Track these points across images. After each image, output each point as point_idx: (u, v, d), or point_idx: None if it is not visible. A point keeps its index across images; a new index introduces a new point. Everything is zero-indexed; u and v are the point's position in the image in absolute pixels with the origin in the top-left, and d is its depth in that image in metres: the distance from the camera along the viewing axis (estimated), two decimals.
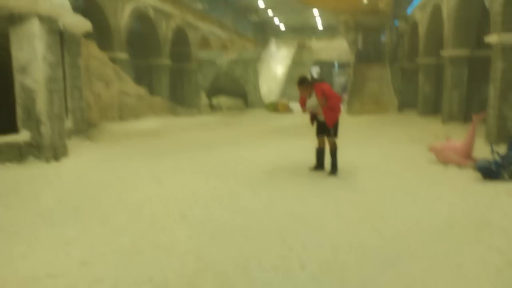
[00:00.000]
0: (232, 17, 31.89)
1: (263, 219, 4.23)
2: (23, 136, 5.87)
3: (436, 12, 14.64)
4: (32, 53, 5.83)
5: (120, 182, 5.51)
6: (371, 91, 20.08)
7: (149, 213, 4.36)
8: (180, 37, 20.22)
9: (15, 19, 5.70)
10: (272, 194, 5.18)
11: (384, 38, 22.89)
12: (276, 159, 7.76)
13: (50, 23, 6.04)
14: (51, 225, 3.96)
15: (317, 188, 5.52)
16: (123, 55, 14.82)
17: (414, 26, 18.22)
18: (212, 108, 19.62)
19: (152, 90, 17.14)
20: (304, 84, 6.14)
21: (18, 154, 5.72)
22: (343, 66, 38.33)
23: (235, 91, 21.17)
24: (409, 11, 20.00)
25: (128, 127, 11.03)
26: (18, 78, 5.86)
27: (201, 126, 13.07)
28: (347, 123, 15.12)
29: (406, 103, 19.20)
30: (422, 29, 16.79)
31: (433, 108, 16.77)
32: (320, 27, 41.35)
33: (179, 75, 20.81)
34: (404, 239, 3.69)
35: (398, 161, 7.46)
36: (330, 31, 38.47)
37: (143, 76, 18.14)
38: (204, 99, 19.28)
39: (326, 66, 41.16)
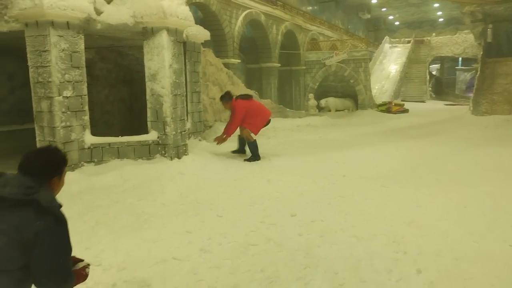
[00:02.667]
0: (343, 17, 31.31)
1: (375, 221, 4.09)
2: (151, 136, 6.60)
3: None
4: (161, 62, 6.52)
5: (233, 180, 5.85)
6: (502, 88, 17.72)
7: (260, 209, 4.54)
8: (290, 40, 20.58)
9: (148, 33, 6.46)
10: (384, 197, 4.97)
11: None
12: (388, 162, 7.40)
13: (176, 35, 6.69)
14: (175, 215, 4.39)
15: (434, 192, 5.13)
16: (235, 60, 15.69)
17: None
18: (321, 109, 19.51)
19: (261, 93, 17.78)
20: (224, 99, 7.29)
21: (147, 152, 6.46)
22: (468, 61, 34.73)
23: (344, 91, 20.73)
24: None
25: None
26: (149, 85, 6.61)
27: (309, 127, 13.10)
28: (470, 124, 13.68)
29: None
30: None
31: None
32: (441, 21, 38.08)
33: (287, 77, 21.19)
34: None
35: None
36: (452, 24, 35.21)
37: (254, 79, 18.92)
38: (312, 101, 19.27)
39: (447, 62, 37.79)
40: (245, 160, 7.20)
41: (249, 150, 7.42)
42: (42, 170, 1.82)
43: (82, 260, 2.04)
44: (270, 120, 7.79)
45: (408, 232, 3.77)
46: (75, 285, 1.89)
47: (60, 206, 1.82)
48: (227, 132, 7.34)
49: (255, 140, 7.37)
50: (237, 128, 7.34)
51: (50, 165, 1.87)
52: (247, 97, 7.52)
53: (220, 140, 7.37)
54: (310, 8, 26.05)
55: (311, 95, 19.66)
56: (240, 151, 7.75)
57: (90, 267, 2.10)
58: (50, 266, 1.69)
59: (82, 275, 1.97)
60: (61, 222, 1.73)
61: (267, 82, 19.10)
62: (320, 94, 20.60)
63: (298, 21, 20.92)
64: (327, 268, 3.06)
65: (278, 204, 4.70)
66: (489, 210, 4.41)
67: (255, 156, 7.25)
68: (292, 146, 9.11)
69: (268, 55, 18.75)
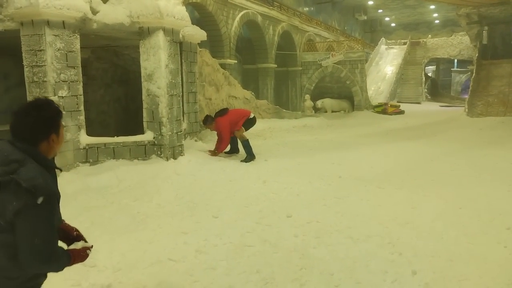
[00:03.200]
0: (339, 18, 31.39)
1: (371, 222, 4.10)
2: (147, 136, 6.58)
3: None
4: (157, 63, 6.51)
5: (229, 180, 5.84)
6: (498, 90, 17.83)
7: (256, 210, 4.54)
8: (286, 41, 20.60)
9: (144, 33, 6.44)
10: (380, 198, 4.98)
11: None
12: (384, 163, 7.43)
13: (172, 35, 6.68)
14: (171, 216, 4.37)
15: (430, 194, 5.15)
16: (232, 61, 15.67)
17: None
18: (317, 110, 19.53)
19: (258, 93, 17.78)
20: (207, 123, 7.59)
21: (143, 152, 6.44)
22: (463, 63, 34.91)
23: (340, 92, 20.78)
24: None
25: None
26: (145, 85, 6.59)
27: (305, 128, 13.12)
28: (466, 126, 13.75)
29: None
30: None
31: None
32: (437, 22, 38.27)
33: (284, 78, 21.20)
34: None
35: None
36: (448, 26, 35.40)
37: (250, 80, 18.91)
38: (308, 102, 19.29)
39: (443, 64, 37.97)
40: (241, 161, 7.22)
41: (243, 150, 7.48)
42: (34, 130, 1.64)
43: (83, 239, 1.93)
44: (254, 117, 7.83)
45: (403, 233, 3.78)
46: (72, 264, 1.79)
47: (52, 167, 1.69)
48: (220, 149, 7.40)
49: (248, 139, 7.48)
50: (228, 142, 7.45)
51: (43, 122, 1.66)
52: (223, 112, 7.61)
53: (213, 154, 7.40)
54: (307, 9, 26.10)
55: (307, 96, 19.67)
56: (233, 150, 7.80)
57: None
58: (31, 247, 1.57)
59: (81, 256, 1.83)
60: (44, 200, 1.56)
61: (264, 82, 19.11)
62: (316, 95, 20.62)
63: (294, 22, 20.94)
64: (322, 269, 3.07)
65: (274, 205, 4.70)
66: (484, 212, 4.43)
67: (251, 156, 7.35)
68: (288, 147, 9.13)
69: (265, 55, 18.75)
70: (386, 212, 4.44)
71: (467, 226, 4.01)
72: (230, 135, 7.44)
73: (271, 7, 18.50)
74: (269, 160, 7.32)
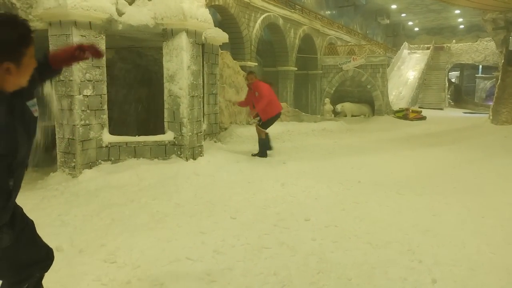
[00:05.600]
0: (361, 22, 31.12)
1: (390, 228, 4.04)
2: (168, 136, 6.67)
3: None
4: (179, 64, 6.60)
5: (247, 182, 5.85)
6: None
7: (274, 212, 4.54)
8: (307, 44, 20.55)
9: (167, 34, 6.54)
10: (400, 204, 4.91)
11: None
12: (404, 169, 7.32)
13: (195, 37, 6.76)
14: (189, 215, 4.42)
15: (451, 201, 5.04)
16: (253, 63, 15.73)
17: None
18: (336, 114, 19.40)
19: (278, 96, 17.76)
20: (251, 75, 7.77)
21: (163, 152, 6.54)
22: (488, 69, 34.10)
23: (361, 97, 20.59)
24: None
25: (254, 131, 11.64)
26: (167, 86, 6.69)
27: (324, 132, 13.03)
28: (490, 133, 13.42)
29: None
30: None
31: None
32: (462, 27, 37.51)
33: (304, 81, 21.15)
34: None
35: None
36: (473, 31, 34.65)
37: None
38: (328, 105, 19.18)
39: (467, 70, 37.21)
40: (252, 155, 7.59)
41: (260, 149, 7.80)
42: None
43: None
44: (280, 113, 8.13)
45: (424, 241, 3.72)
46: (67, 65, 1.71)
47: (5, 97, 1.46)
48: (257, 108, 7.57)
49: (267, 137, 7.80)
50: (265, 105, 7.52)
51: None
52: (270, 84, 7.96)
53: (253, 114, 7.82)
54: (329, 12, 25.99)
55: (327, 100, 19.57)
56: (265, 153, 7.94)
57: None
58: None
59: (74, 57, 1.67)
60: None
61: (284, 85, 19.11)
62: (336, 99, 20.50)
63: (316, 25, 20.88)
64: (340, 274, 3.04)
65: (292, 208, 4.69)
66: (507, 221, 4.32)
67: (262, 153, 7.68)
68: (307, 150, 9.09)
69: (285, 58, 18.75)
70: (406, 218, 4.38)
71: (490, 235, 3.91)
72: (261, 107, 7.48)
73: (292, 10, 18.50)
74: (288, 163, 7.31)
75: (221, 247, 3.55)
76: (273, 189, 5.54)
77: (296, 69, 19.31)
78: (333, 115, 18.88)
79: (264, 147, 7.75)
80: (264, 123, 7.78)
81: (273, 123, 7.98)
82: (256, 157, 7.68)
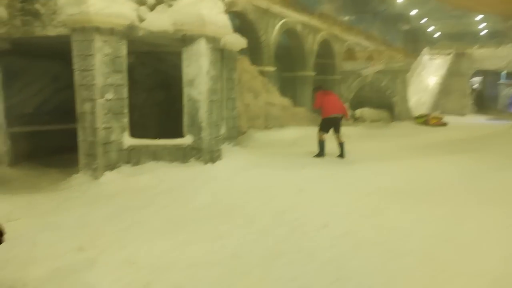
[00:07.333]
0: (380, 27, 30.87)
1: (410, 237, 3.97)
2: (187, 140, 6.73)
3: None
4: (198, 69, 6.67)
5: (265, 187, 5.84)
6: None
7: (292, 218, 4.51)
8: (325, 49, 20.48)
9: (187, 40, 6.62)
10: (420, 212, 4.81)
11: None
12: (425, 176, 7.17)
13: (214, 43, 6.83)
14: (207, 219, 4.43)
15: (474, 210, 4.92)
16: (270, 68, 15.76)
17: None
18: (355, 119, 19.21)
19: (295, 101, 17.74)
20: (317, 91, 9.30)
21: (182, 155, 6.59)
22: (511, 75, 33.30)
23: (380, 102, 20.34)
24: None
25: (272, 135, 11.63)
26: (186, 90, 6.77)
27: (343, 137, 12.89)
28: None
29: None
30: None
31: None
32: (484, 33, 36.77)
33: (322, 87, 21.02)
34: None
35: None
36: (496, 37, 33.92)
37: (288, 87, 18.90)
38: (348, 111, 19.00)
39: (490, 76, 36.39)
40: (313, 156, 8.50)
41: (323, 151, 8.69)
42: None
43: None
44: (341, 115, 8.97)
45: (446, 250, 3.64)
46: None
47: None
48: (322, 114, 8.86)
49: (324, 141, 8.66)
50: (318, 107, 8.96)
51: None
52: (327, 91, 9.39)
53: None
54: (347, 18, 25.86)
55: (348, 105, 19.41)
56: (320, 154, 8.66)
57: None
58: None
59: None
60: None
61: (302, 90, 19.06)
62: (355, 104, 20.32)
63: (334, 30, 20.80)
64: (359, 282, 3.00)
65: (310, 214, 4.65)
66: None
67: (320, 154, 8.56)
68: (326, 156, 9.00)
69: (303, 64, 18.71)
70: (427, 227, 4.29)
71: None
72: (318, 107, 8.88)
73: (311, 16, 18.49)
74: (306, 168, 7.26)
75: (239, 251, 3.55)
76: (291, 194, 5.51)
77: (314, 74, 19.25)
78: (352, 120, 18.70)
79: (321, 148, 8.61)
80: (320, 126, 8.75)
81: (328, 126, 8.71)
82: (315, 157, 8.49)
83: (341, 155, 8.67)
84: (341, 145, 8.74)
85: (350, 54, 22.44)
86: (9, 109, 7.15)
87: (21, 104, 7.79)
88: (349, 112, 18.87)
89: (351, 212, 4.78)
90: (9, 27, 6.21)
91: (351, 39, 23.28)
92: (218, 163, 6.78)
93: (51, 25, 6.17)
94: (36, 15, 6.15)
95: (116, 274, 3.05)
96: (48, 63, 8.42)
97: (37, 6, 6.12)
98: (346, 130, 14.12)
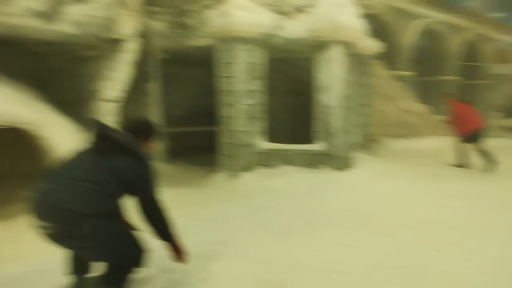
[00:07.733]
0: None
1: None
2: (319, 146, 6.71)
3: None
4: (331, 75, 6.60)
5: (403, 200, 5.43)
6: None
7: (437, 237, 4.06)
8: (470, 51, 18.38)
9: (321, 46, 6.62)
10: None
11: None
12: None
13: (348, 48, 6.69)
14: (338, 227, 4.29)
15: None
16: (407, 73, 14.80)
17: None
18: (510, 130, 16.67)
19: (436, 108, 16.28)
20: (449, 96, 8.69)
21: (315, 161, 6.59)
22: None
23: None
24: None
25: (407, 145, 10.84)
26: (318, 97, 6.76)
27: (497, 150, 11.23)
28: None
29: None
30: None
31: None
32: None
33: (466, 92, 18.91)
34: None
35: None
36: None
37: (427, 93, 17.46)
38: (501, 120, 16.66)
39: None
40: (453, 167, 7.88)
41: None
42: (139, 132, 2.69)
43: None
44: (480, 130, 7.92)
45: None
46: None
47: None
48: (459, 131, 7.91)
49: (466, 151, 7.92)
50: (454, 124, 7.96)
51: (145, 130, 2.76)
52: (464, 101, 8.40)
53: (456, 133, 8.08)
54: (497, 15, 22.79)
55: (499, 114, 17.08)
56: (462, 166, 7.99)
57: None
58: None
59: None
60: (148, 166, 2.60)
61: (441, 97, 17.43)
62: (509, 112, 17.72)
63: (481, 29, 18.52)
64: None
65: (457, 234, 4.14)
66: None
67: (461, 165, 7.88)
68: (475, 170, 7.96)
69: (444, 67, 17.11)
70: None
71: None
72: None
73: (453, 14, 16.82)
74: (449, 182, 6.55)
75: (374, 264, 3.36)
76: (433, 210, 5.02)
77: (457, 78, 17.42)
78: (505, 130, 16.30)
79: (461, 160, 7.95)
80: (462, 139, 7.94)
81: (468, 141, 7.85)
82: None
83: (489, 167, 7.58)
84: (486, 155, 7.68)
85: (501, 56, 19.72)
86: (166, 111, 8.13)
87: (174, 107, 8.81)
88: (500, 122, 16.56)
89: (507, 235, 4.12)
90: (169, 40, 7.07)
91: (502, 38, 20.45)
92: (349, 171, 6.60)
93: (200, 37, 6.83)
94: (189, 28, 6.87)
95: (250, 272, 3.16)
96: (194, 70, 9.34)
97: (191, 20, 6.83)
98: (494, 142, 12.37)
